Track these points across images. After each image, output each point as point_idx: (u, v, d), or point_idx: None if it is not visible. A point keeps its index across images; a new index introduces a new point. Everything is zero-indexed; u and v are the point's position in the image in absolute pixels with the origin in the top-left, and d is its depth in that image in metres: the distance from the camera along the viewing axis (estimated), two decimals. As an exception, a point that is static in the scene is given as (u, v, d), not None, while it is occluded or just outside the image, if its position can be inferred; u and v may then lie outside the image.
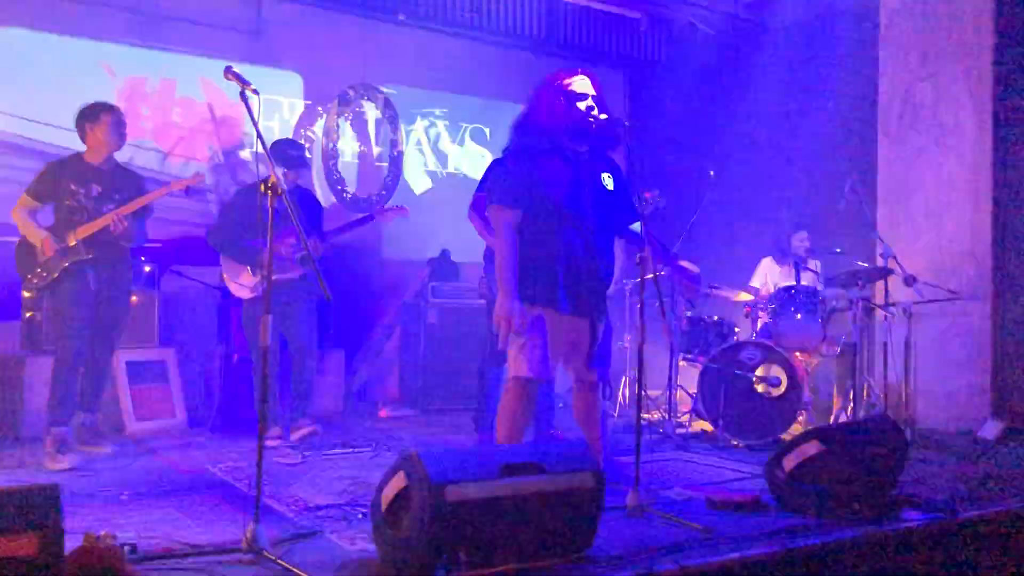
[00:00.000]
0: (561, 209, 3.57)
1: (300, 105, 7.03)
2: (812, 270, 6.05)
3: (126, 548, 2.74)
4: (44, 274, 4.47)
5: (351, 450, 4.82)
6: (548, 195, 3.55)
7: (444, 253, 7.10)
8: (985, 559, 3.47)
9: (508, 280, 3.49)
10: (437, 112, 7.69)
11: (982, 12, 5.91)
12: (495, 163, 4.94)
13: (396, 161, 7.40)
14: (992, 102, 5.87)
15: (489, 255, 4.99)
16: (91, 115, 4.55)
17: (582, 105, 3.62)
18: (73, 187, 4.51)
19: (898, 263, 5.48)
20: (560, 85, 3.65)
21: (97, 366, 4.70)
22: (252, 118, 3.02)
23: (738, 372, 5.30)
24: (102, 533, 2.76)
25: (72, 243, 4.45)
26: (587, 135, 3.64)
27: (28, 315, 5.30)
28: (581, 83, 3.66)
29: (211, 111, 6.59)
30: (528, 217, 3.54)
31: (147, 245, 5.15)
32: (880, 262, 5.64)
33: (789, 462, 3.55)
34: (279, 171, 4.81)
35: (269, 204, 3.04)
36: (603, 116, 3.66)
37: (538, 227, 3.55)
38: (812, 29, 7.21)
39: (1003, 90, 5.87)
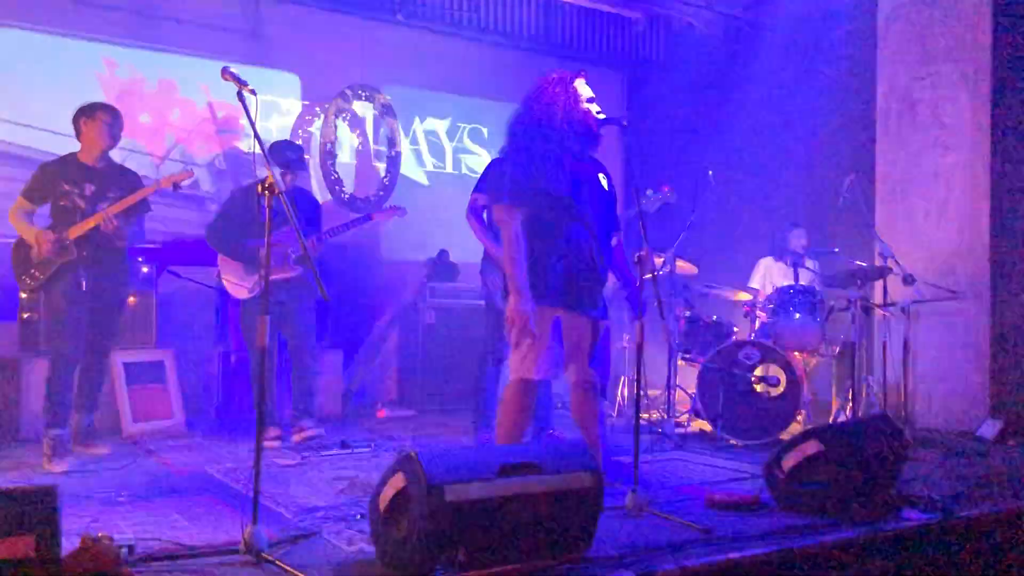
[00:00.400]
0: (566, 208, 3.57)
1: (298, 106, 7.03)
2: (810, 269, 6.05)
3: (123, 550, 2.73)
4: (38, 274, 4.46)
5: (349, 451, 4.81)
6: (553, 194, 3.55)
7: (442, 253, 7.10)
8: (984, 558, 3.46)
9: (520, 278, 3.48)
10: (435, 112, 7.68)
11: (980, 10, 5.91)
12: (494, 163, 4.93)
13: (394, 161, 7.39)
14: (991, 101, 5.87)
15: (488, 257, 4.98)
16: (88, 112, 4.54)
17: (586, 106, 3.64)
18: (67, 187, 4.49)
19: (896, 262, 5.48)
20: (563, 85, 3.66)
21: (93, 367, 4.69)
22: (249, 118, 3.02)
23: (737, 372, 5.30)
24: (99, 535, 2.74)
25: (65, 243, 4.44)
26: (590, 136, 3.67)
27: (25, 316, 5.29)
28: (582, 84, 3.69)
29: (212, 111, 6.57)
30: (533, 215, 3.54)
31: (144, 245, 5.15)
32: (879, 261, 5.64)
33: (788, 462, 3.55)
34: (276, 171, 4.79)
35: (267, 204, 3.04)
36: (602, 116, 3.69)
37: (543, 225, 3.55)
38: (810, 28, 7.21)
39: (1001, 88, 5.87)
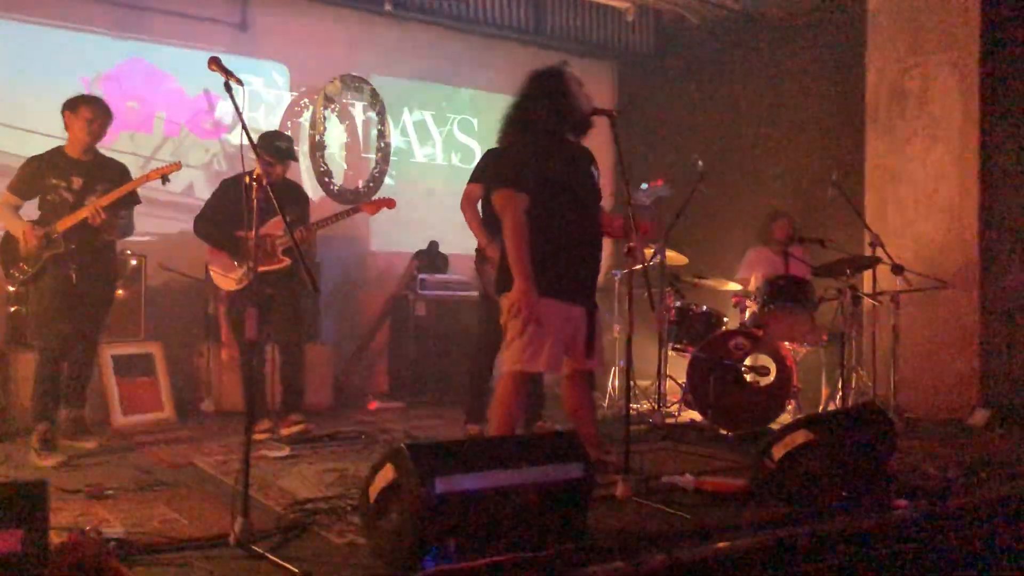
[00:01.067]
0: (565, 199, 3.58)
1: (286, 97, 6.99)
2: (799, 258, 6.06)
3: (112, 543, 2.72)
4: (26, 268, 4.44)
5: (340, 443, 4.81)
6: (554, 184, 3.56)
7: (432, 245, 7.08)
8: (974, 546, 3.48)
9: (525, 265, 3.47)
10: (424, 103, 7.65)
11: (969, 1, 5.92)
12: (491, 153, 4.91)
13: (383, 152, 7.37)
14: (979, 91, 5.88)
15: (481, 251, 4.97)
16: (71, 106, 4.51)
17: (580, 97, 3.66)
18: (54, 181, 4.46)
19: (886, 252, 5.49)
20: (555, 77, 3.67)
21: (82, 360, 4.67)
22: (237, 109, 3.00)
23: (727, 362, 5.30)
24: (88, 528, 2.74)
25: (52, 236, 4.41)
26: (582, 126, 3.69)
27: (12, 309, 5.26)
28: (572, 75, 3.70)
29: (210, 102, 6.50)
30: (533, 205, 3.54)
31: (135, 238, 5.12)
32: (868, 251, 5.66)
33: (778, 451, 3.55)
34: (265, 162, 4.76)
35: (254, 195, 3.02)
36: (593, 106, 3.71)
37: (542, 216, 3.55)
38: (800, 18, 7.20)
39: (991, 78, 5.88)
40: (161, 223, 6.15)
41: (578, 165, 3.71)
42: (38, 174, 4.49)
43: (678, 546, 2.84)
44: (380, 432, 5.19)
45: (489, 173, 4.64)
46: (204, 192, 6.22)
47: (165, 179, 4.54)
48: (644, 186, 5.29)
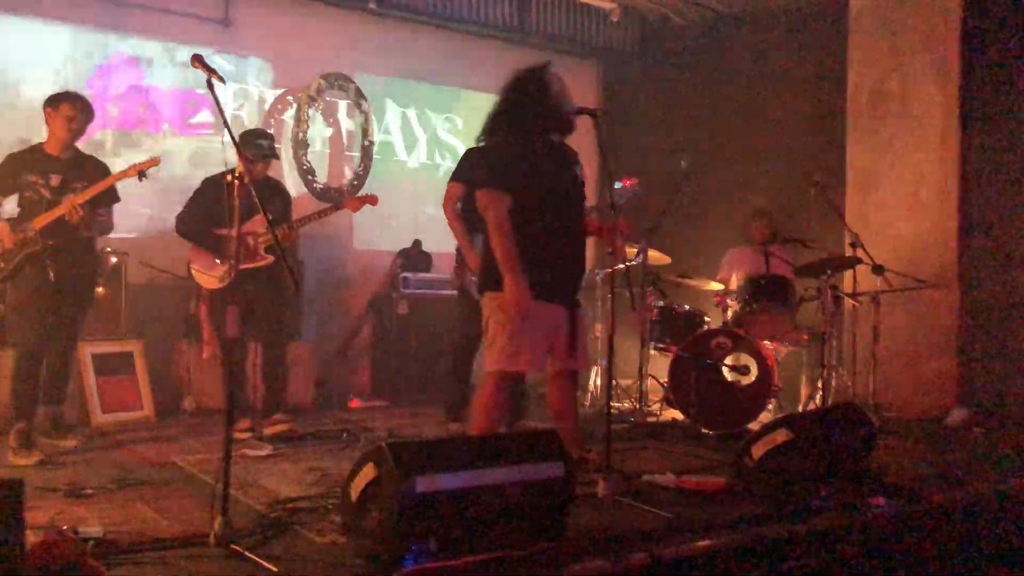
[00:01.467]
0: (549, 198, 3.59)
1: (270, 94, 6.95)
2: (780, 258, 6.09)
3: (90, 542, 2.70)
4: (2, 265, 4.40)
5: (321, 442, 4.79)
6: (537, 184, 3.56)
7: (416, 243, 7.07)
8: (951, 544, 3.51)
9: (514, 264, 3.47)
10: (408, 102, 7.63)
11: (949, 4, 5.97)
12: (473, 152, 4.90)
13: (367, 151, 7.34)
14: (959, 92, 5.93)
15: (461, 251, 4.96)
16: (53, 102, 4.48)
17: (563, 97, 3.67)
18: (32, 178, 4.42)
19: (866, 252, 5.53)
20: (538, 76, 3.68)
21: (60, 358, 4.62)
22: (219, 107, 2.99)
23: (708, 361, 5.33)
24: (65, 527, 2.72)
25: (29, 233, 4.37)
26: (565, 125, 3.70)
27: (-10, 307, 5.21)
28: (556, 75, 3.71)
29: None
30: (516, 205, 3.54)
31: (116, 236, 5.07)
32: (849, 251, 5.69)
33: (758, 450, 3.58)
34: (247, 160, 4.73)
35: (236, 193, 3.01)
36: (576, 106, 3.72)
37: (526, 215, 3.55)
38: (783, 20, 7.24)
39: (971, 81, 5.93)
40: (143, 221, 6.11)
41: (562, 164, 3.72)
42: (16, 171, 4.45)
43: (659, 544, 2.85)
44: (362, 431, 5.17)
45: (473, 172, 4.64)
46: (187, 190, 6.20)
47: (142, 175, 4.50)
48: (616, 185, 5.30)
